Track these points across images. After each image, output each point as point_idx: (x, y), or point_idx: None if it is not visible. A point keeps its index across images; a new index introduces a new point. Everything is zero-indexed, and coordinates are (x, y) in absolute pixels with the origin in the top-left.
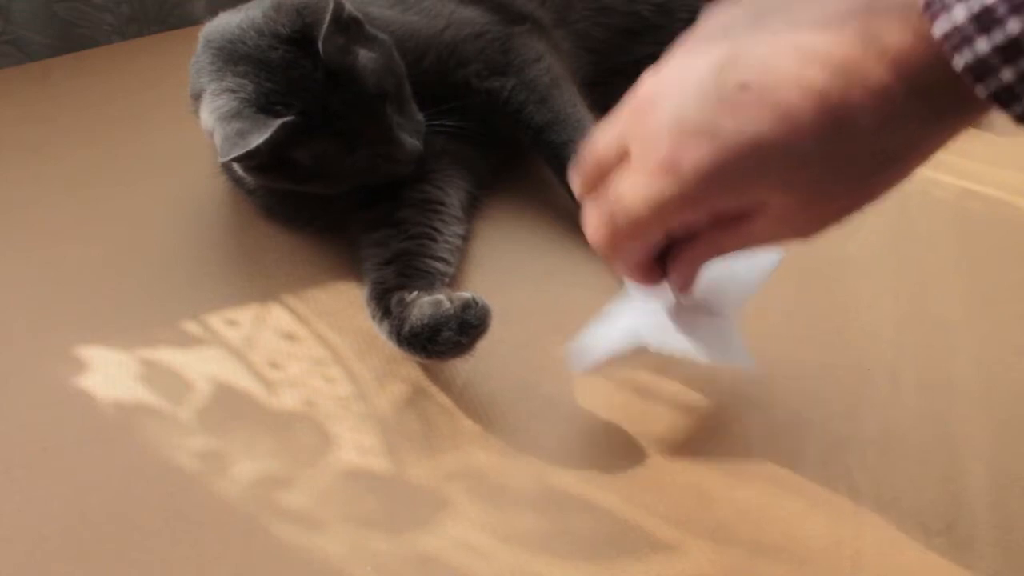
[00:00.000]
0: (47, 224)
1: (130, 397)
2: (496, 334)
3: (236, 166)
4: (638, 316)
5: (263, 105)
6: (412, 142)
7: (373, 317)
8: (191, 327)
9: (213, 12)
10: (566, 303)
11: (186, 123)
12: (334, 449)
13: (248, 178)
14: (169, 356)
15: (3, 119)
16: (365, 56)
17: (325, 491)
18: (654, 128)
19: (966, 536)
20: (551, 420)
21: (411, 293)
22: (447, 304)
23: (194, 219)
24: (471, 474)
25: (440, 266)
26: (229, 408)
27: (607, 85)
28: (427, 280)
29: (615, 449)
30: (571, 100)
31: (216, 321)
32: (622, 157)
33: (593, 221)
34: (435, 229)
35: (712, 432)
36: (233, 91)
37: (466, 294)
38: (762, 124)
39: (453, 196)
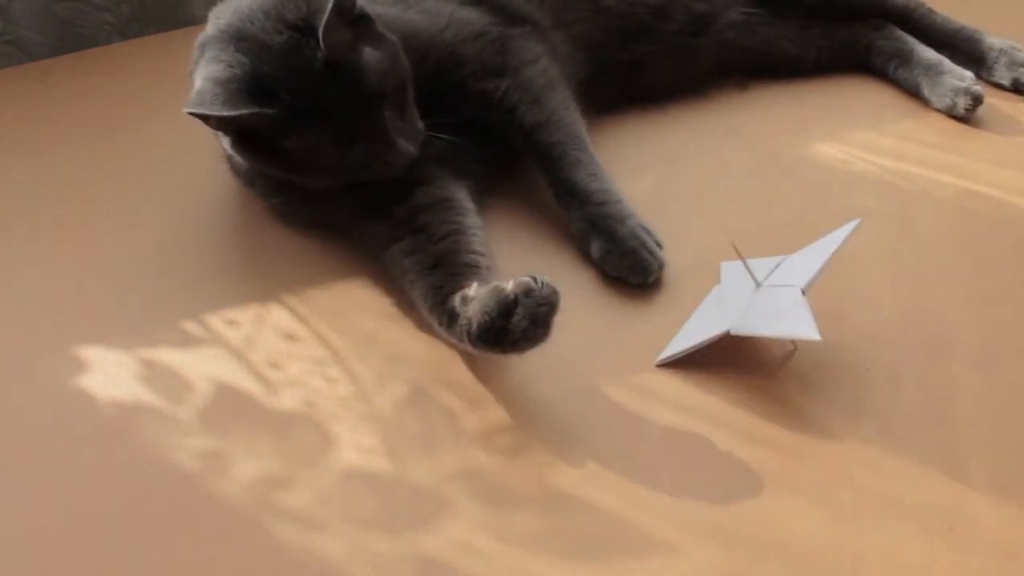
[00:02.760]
0: (47, 224)
1: (130, 397)
2: None
3: (223, 138)
4: (718, 309)
5: (255, 87)
6: (407, 147)
7: (440, 325)
8: (191, 327)
9: None
10: (562, 303)
11: (186, 123)
12: (334, 449)
13: (244, 164)
14: (169, 356)
15: (3, 119)
16: (370, 54)
17: (325, 491)
18: None
19: (966, 536)
20: (551, 421)
21: (472, 288)
22: (508, 290)
23: (194, 219)
24: (471, 474)
25: (481, 259)
26: (229, 408)
27: (604, 83)
28: (477, 275)
29: (615, 449)
30: (564, 103)
31: (216, 321)
32: None
33: None
34: (459, 223)
35: (712, 433)
36: (229, 64)
37: (526, 277)
38: None
39: (458, 192)
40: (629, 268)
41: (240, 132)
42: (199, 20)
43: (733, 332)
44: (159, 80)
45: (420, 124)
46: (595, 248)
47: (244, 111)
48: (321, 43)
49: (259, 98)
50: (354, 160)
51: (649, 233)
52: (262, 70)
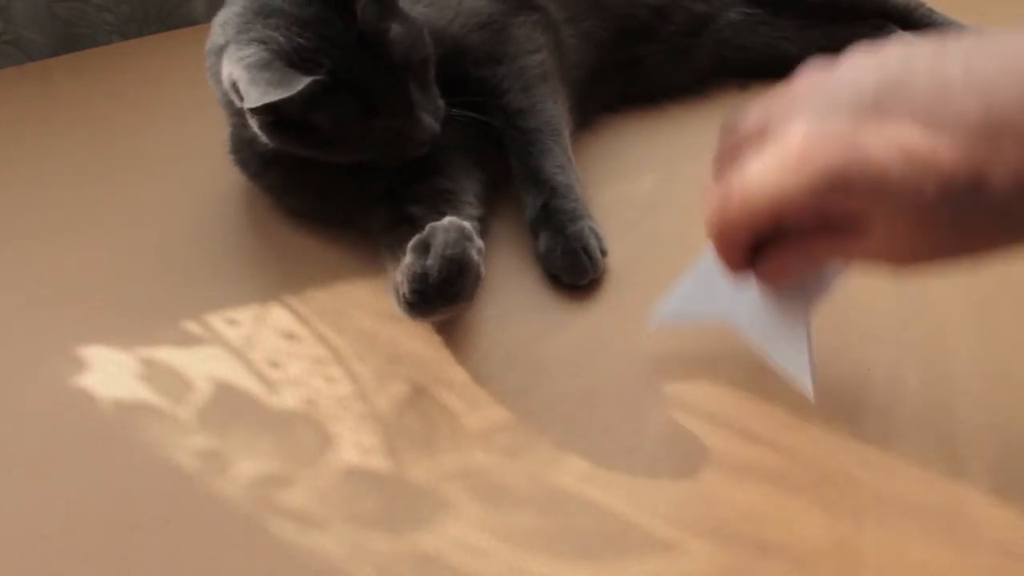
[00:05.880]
0: (47, 224)
1: (130, 397)
2: (495, 335)
3: (253, 120)
4: (733, 299)
5: (292, 60)
6: (430, 121)
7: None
8: (191, 327)
9: (213, 12)
10: (562, 304)
11: (186, 123)
12: (334, 449)
13: (262, 139)
14: (169, 356)
15: (3, 119)
16: (396, 29)
17: (325, 491)
18: (799, 119)
19: (966, 537)
20: (551, 421)
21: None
22: (421, 236)
23: (194, 219)
24: (471, 474)
25: None
26: (229, 408)
27: (606, 82)
28: None
29: (615, 449)
30: (552, 95)
31: (216, 321)
32: (761, 136)
33: (713, 199)
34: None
35: (712, 432)
36: (263, 42)
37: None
38: (901, 156)
39: (465, 185)
40: (568, 266)
41: (279, 112)
42: (199, 20)
43: (740, 332)
44: (159, 80)
45: (441, 102)
46: (542, 241)
47: (306, 82)
48: (359, 14)
49: (302, 70)
50: (378, 134)
51: (598, 238)
52: (296, 42)
